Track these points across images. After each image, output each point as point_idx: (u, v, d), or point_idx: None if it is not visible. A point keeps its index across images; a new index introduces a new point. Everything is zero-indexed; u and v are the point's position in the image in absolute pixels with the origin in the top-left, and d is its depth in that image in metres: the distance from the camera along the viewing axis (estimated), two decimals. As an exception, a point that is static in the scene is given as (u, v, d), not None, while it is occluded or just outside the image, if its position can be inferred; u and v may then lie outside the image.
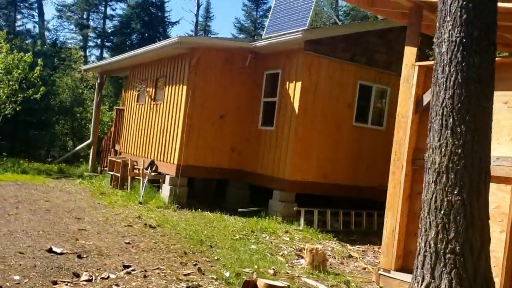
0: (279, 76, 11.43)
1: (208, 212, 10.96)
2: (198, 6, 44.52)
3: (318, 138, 11.05)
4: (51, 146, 23.64)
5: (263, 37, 13.06)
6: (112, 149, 16.41)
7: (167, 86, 12.40)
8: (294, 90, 10.83)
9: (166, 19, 37.88)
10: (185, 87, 11.49)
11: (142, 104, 13.90)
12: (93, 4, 33.46)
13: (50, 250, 6.36)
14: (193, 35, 44.42)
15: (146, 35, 35.78)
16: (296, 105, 10.72)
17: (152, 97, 13.23)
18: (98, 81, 18.33)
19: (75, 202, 10.95)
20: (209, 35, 46.04)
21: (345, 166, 11.55)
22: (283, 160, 10.92)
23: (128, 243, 7.31)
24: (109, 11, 34.99)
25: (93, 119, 18.62)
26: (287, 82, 11.10)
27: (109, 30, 34.11)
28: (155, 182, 12.59)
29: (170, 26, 38.51)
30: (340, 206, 11.61)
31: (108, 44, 34.24)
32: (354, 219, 10.95)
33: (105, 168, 17.34)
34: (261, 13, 39.87)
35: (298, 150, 10.77)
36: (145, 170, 12.37)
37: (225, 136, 12.07)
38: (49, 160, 21.05)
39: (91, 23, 34.76)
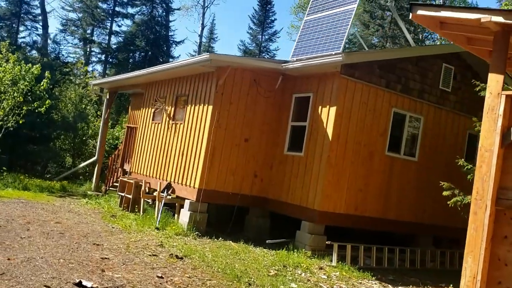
0: (310, 99, 10.86)
1: (231, 242, 10.21)
2: (203, 27, 44.35)
3: (350, 167, 10.43)
4: (49, 162, 22.79)
5: (289, 59, 12.52)
6: (120, 168, 15.64)
7: (190, 106, 11.76)
8: (328, 115, 10.25)
9: (170, 38, 37.50)
10: (210, 107, 10.87)
11: (159, 123, 13.22)
12: (99, 20, 32.98)
13: (79, 284, 5.60)
14: (196, 55, 44.19)
15: (150, 53, 35.33)
16: (329, 131, 10.13)
17: (171, 116, 12.57)
18: (108, 97, 17.66)
19: (88, 225, 10.16)
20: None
21: (376, 198, 10.92)
22: (313, 188, 10.26)
23: (161, 277, 6.55)
24: (115, 27, 34.51)
25: (99, 136, 17.89)
26: (320, 107, 10.52)
27: (113, 46, 33.56)
28: (171, 206, 11.84)
29: (175, 46, 38.08)
30: (367, 240, 10.96)
31: (111, 60, 33.63)
32: (383, 254, 10.26)
33: (111, 188, 16.57)
34: (266, 37, 39.72)
35: (329, 179, 10.13)
36: (161, 193, 11.62)
37: (248, 160, 11.41)
38: (48, 177, 20.19)
39: (95, 38, 34.23)
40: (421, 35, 31.94)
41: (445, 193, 8.70)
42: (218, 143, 10.89)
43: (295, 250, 9.82)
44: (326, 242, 9.66)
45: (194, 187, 10.91)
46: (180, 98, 12.45)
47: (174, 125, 12.38)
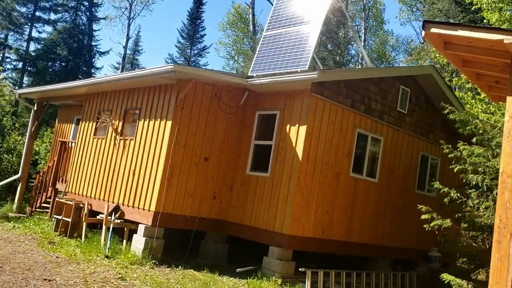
0: (276, 117, 10.36)
1: (192, 270, 9.32)
2: (128, 38, 42.75)
3: (318, 188, 10.04)
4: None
5: (249, 74, 12.00)
6: (51, 188, 14.04)
7: (142, 120, 10.76)
8: (297, 134, 9.80)
9: (95, 48, 35.51)
10: (169, 123, 9.98)
11: (103, 139, 12.00)
12: (17, 24, 30.32)
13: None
14: (120, 67, 42.28)
15: (72, 62, 33.14)
16: (299, 150, 9.67)
17: (119, 131, 11.44)
18: (36, 108, 15.94)
19: (27, 255, 8.77)
20: (136, 69, 44.11)
21: (341, 221, 10.60)
22: (281, 211, 9.71)
23: (143, 320, 5.60)
24: (34, 33, 31.98)
25: (24, 151, 16.04)
26: (288, 125, 10.05)
27: (32, 54, 30.98)
28: (117, 231, 10.67)
29: (99, 56, 36.11)
30: (324, 263, 10.60)
31: (29, 68, 31.00)
32: (351, 279, 9.92)
33: (37, 209, 14.85)
34: (195, 51, 38.97)
35: (299, 201, 9.64)
36: (108, 217, 10.44)
37: (208, 181, 10.62)
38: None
39: (10, 43, 31.43)
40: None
41: (424, 216, 8.54)
42: (176, 162, 10.01)
43: (264, 278, 9.16)
44: (300, 269, 9.10)
45: (149, 210, 9.89)
46: (130, 112, 11.40)
47: (122, 141, 11.27)
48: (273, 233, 9.75)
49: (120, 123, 11.46)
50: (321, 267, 9.64)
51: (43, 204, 14.73)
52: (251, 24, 38.00)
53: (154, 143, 10.24)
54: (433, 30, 5.74)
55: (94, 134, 12.41)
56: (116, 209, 10.64)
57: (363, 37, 37.95)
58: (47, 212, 14.66)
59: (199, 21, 39.10)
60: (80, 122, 13.23)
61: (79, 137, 13.06)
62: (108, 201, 11.14)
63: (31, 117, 16.16)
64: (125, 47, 42.09)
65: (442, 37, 5.99)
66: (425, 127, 12.80)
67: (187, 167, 10.22)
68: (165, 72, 9.40)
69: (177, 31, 39.61)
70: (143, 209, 10.06)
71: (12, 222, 12.85)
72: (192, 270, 9.36)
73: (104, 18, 38.15)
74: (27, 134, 16.20)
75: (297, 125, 9.87)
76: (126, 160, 10.95)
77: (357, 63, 37.60)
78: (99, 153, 12.00)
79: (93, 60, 36.25)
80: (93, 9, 35.90)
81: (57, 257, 8.94)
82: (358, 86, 10.78)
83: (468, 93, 15.59)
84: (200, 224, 10.46)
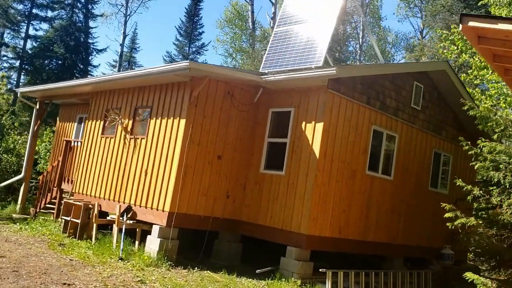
0: (291, 114, 10.16)
1: (209, 272, 9.12)
2: (124, 36, 42.28)
3: (335, 186, 9.86)
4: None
5: (260, 70, 11.79)
6: (57, 188, 13.75)
7: (154, 119, 10.52)
8: (314, 131, 9.61)
9: (92, 46, 35.05)
10: (183, 121, 9.75)
11: (111, 138, 11.74)
12: (14, 22, 29.84)
13: None
14: (117, 65, 41.85)
15: (69, 60, 32.68)
16: (316, 148, 9.48)
17: (129, 130, 11.19)
18: (38, 107, 15.64)
19: (39, 258, 8.53)
20: (133, 66, 43.73)
21: (357, 220, 10.43)
22: (298, 210, 9.51)
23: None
24: (31, 31, 31.52)
25: (27, 151, 15.74)
26: (304, 122, 9.85)
27: (29, 52, 30.53)
28: (129, 232, 10.44)
29: (96, 54, 35.65)
30: (339, 262, 10.44)
31: (26, 66, 30.55)
32: (370, 279, 9.76)
33: (42, 210, 14.57)
34: (193, 49, 38.63)
35: (316, 200, 9.45)
36: (120, 217, 10.21)
37: (221, 179, 10.40)
38: None
39: (6, 40, 30.96)
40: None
41: (448, 214, 8.39)
42: (190, 161, 9.79)
43: (283, 279, 8.98)
44: (320, 270, 8.92)
45: (163, 211, 9.67)
46: (140, 110, 11.15)
47: (133, 140, 11.02)
48: (290, 233, 9.56)
49: (130, 122, 11.21)
50: (336, 267, 9.48)
51: (47, 205, 14.45)
52: (250, 21, 37.72)
53: (168, 141, 10.00)
54: (471, 23, 5.56)
55: (102, 133, 12.15)
56: (128, 209, 10.41)
57: (361, 33, 37.86)
58: (52, 213, 14.37)
59: (197, 18, 38.77)
60: (86, 120, 12.95)
61: (85, 136, 12.78)
62: (119, 202, 10.90)
63: (33, 116, 15.86)
64: (122, 45, 41.70)
65: (476, 30, 5.80)
66: (438, 124, 12.66)
67: (201, 165, 10.00)
68: (180, 69, 9.17)
69: (175, 28, 38.91)
70: (157, 210, 9.83)
71: (18, 223, 12.58)
72: (209, 271, 9.16)
73: (101, 15, 37.67)
74: (30, 133, 15.91)
75: (313, 122, 9.68)
76: (138, 159, 10.70)
77: (355, 60, 37.51)
78: (108, 153, 11.74)
79: (90, 57, 35.81)
80: (90, 6, 35.42)
81: (70, 259, 8.71)
82: (373, 83, 10.60)
83: (477, 89, 15.46)
84: (214, 224, 10.25)
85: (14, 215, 14.64)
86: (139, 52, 49.48)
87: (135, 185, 10.57)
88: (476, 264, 14.83)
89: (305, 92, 9.97)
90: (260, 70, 11.91)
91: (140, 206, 10.29)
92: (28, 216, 14.53)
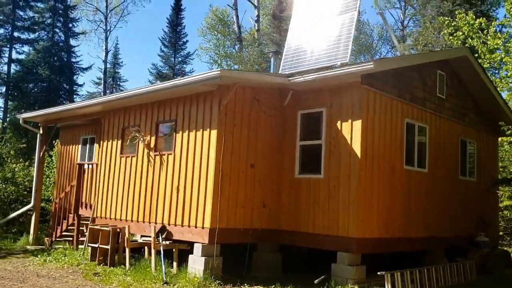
0: (322, 115, 9.81)
1: (260, 286, 8.69)
2: (107, 52, 41.52)
3: (377, 184, 9.54)
4: None
5: (280, 72, 11.42)
6: (73, 215, 13.13)
7: (180, 132, 10.05)
8: (351, 130, 9.26)
9: (76, 65, 34.25)
10: (214, 132, 9.31)
11: (133, 156, 11.21)
12: (-4, 47, 28.92)
13: None
14: (102, 82, 41.03)
15: (55, 82, 31.86)
16: (357, 147, 9.14)
17: (152, 147, 10.70)
18: (41, 132, 15.00)
19: (83, 292, 8.01)
20: (118, 82, 42.92)
21: (400, 216, 10.13)
22: (344, 213, 9.15)
23: None
24: (14, 55, 30.63)
25: (34, 179, 15.05)
26: (339, 122, 9.51)
27: (14, 76, 29.62)
28: (165, 253, 9.93)
29: (81, 72, 34.85)
30: (380, 261, 10.11)
31: (12, 92, 29.63)
32: (422, 276, 9.44)
33: (57, 239, 13.92)
34: (179, 59, 37.99)
35: (362, 201, 9.10)
36: (156, 239, 9.71)
37: (255, 188, 9.99)
38: None
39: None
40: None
41: (506, 202, 8.13)
42: (225, 172, 9.36)
43: (339, 286, 8.61)
44: (378, 273, 8.57)
45: (203, 227, 9.21)
46: (162, 125, 10.67)
47: (158, 157, 10.53)
48: (337, 238, 9.19)
49: (153, 138, 10.72)
50: (381, 267, 9.16)
51: (63, 234, 13.82)
52: (236, 25, 37.39)
53: (199, 154, 9.55)
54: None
55: (121, 153, 11.61)
56: (162, 229, 9.91)
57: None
58: (69, 241, 13.77)
59: (180, 27, 38.08)
60: (100, 141, 12.38)
61: (101, 158, 12.22)
62: (149, 222, 10.39)
63: (37, 141, 15.17)
64: (105, 61, 40.91)
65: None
66: (461, 111, 12.46)
67: (235, 176, 9.58)
68: (211, 78, 8.73)
69: (158, 40, 38.20)
70: (195, 227, 9.36)
71: (40, 256, 11.94)
72: (259, 286, 8.73)
73: (83, 33, 36.87)
74: (36, 160, 15.25)
75: (349, 121, 9.34)
76: (166, 177, 10.21)
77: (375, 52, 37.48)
78: (130, 173, 11.21)
79: (75, 77, 35.02)
80: (70, 24, 34.65)
81: (116, 290, 8.21)
82: (402, 75, 10.32)
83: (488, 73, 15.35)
84: (253, 235, 9.83)
85: (28, 247, 13.98)
86: (123, 67, 48.53)
87: (167, 204, 10.08)
88: (506, 248, 14.76)
89: (336, 90, 9.63)
90: (280, 72, 11.54)
91: (175, 225, 9.80)
92: (44, 247, 13.89)
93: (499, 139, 14.41)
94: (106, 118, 12.31)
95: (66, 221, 13.51)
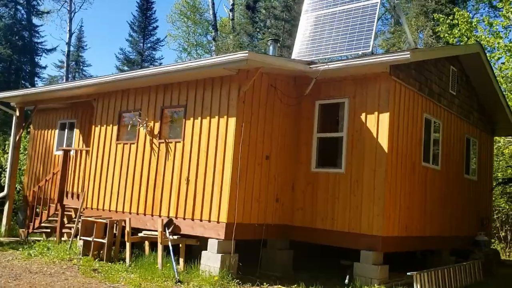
0: (345, 106, 9.31)
1: (281, 286, 8.12)
2: (70, 34, 39.35)
3: (401, 181, 9.15)
4: None
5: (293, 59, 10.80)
6: (55, 205, 12.03)
7: (191, 119, 9.27)
8: (378, 123, 8.81)
9: (40, 46, 32.27)
10: (232, 120, 8.61)
11: (132, 143, 10.31)
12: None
13: None
14: (65, 65, 38.96)
15: (16, 62, 29.88)
16: (383, 141, 8.69)
17: (156, 134, 9.85)
18: (18, 115, 13.74)
19: (91, 292, 7.17)
20: (82, 66, 40.93)
21: (418, 215, 9.81)
22: (367, 210, 8.70)
23: None
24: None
25: (9, 165, 13.77)
26: (363, 114, 9.03)
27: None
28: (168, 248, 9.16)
29: (45, 54, 32.89)
30: (398, 260, 9.82)
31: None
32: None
33: (35, 231, 12.78)
34: (148, 45, 36.61)
35: (388, 198, 8.68)
36: (163, 233, 8.92)
37: (270, 182, 9.38)
38: None
39: None
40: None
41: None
42: (242, 163, 8.68)
43: (365, 286, 8.16)
44: (407, 273, 8.18)
45: (218, 222, 8.51)
46: (169, 110, 9.84)
47: (163, 145, 9.70)
48: (359, 235, 8.73)
49: (157, 124, 9.87)
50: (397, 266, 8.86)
51: (42, 225, 12.67)
52: (211, 12, 36.41)
53: (214, 144, 8.82)
54: None
55: (117, 139, 10.68)
56: (169, 223, 9.12)
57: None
58: (49, 232, 12.68)
59: (150, 12, 36.70)
60: (93, 126, 11.37)
61: (93, 144, 11.22)
62: (152, 215, 9.58)
63: (13, 124, 13.89)
64: (68, 44, 38.72)
65: None
66: (468, 109, 12.32)
67: (252, 168, 8.93)
68: (236, 61, 8.00)
69: (127, 23, 36.73)
70: (209, 221, 8.65)
71: (20, 249, 10.86)
72: (280, 286, 8.16)
73: (47, 12, 34.77)
74: (11, 144, 13.96)
75: (376, 113, 8.87)
76: (173, 166, 9.41)
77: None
78: (129, 161, 10.31)
79: (38, 58, 33.06)
80: (34, 2, 32.56)
81: (127, 289, 7.40)
82: (422, 68, 9.97)
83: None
84: (266, 231, 9.21)
85: (1, 239, 12.77)
86: (87, 51, 46.25)
87: (174, 195, 9.29)
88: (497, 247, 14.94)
89: (361, 81, 9.14)
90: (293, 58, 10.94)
91: (184, 219, 9.04)
92: (19, 239, 12.74)
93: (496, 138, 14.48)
94: (99, 101, 11.30)
95: (47, 211, 12.38)
